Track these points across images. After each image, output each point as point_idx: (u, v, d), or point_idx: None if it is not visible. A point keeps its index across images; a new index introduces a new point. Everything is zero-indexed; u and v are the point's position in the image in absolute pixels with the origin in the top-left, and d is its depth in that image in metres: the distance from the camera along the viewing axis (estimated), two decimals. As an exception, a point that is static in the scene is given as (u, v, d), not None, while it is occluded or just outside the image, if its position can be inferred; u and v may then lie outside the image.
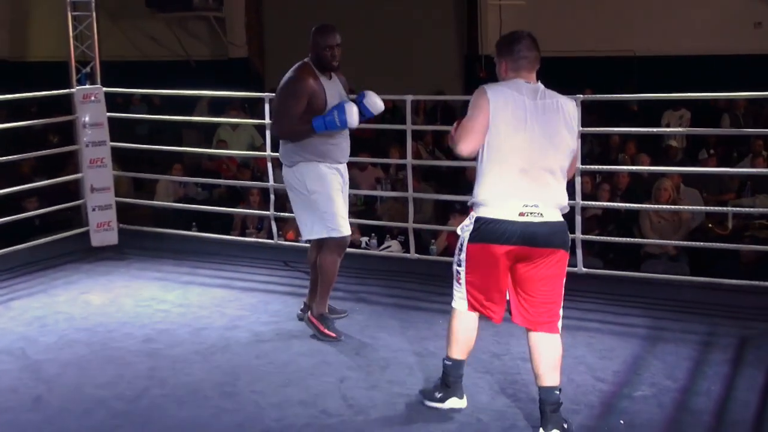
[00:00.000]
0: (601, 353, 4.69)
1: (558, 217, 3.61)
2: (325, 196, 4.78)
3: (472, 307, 3.77)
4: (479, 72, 13.46)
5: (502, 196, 3.55)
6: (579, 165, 3.68)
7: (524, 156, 3.54)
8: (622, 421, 3.88)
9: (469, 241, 3.62)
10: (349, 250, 5.18)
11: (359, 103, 4.82)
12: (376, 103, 4.85)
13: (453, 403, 3.93)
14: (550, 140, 3.57)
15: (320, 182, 4.80)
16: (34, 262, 6.62)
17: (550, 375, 3.66)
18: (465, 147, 3.60)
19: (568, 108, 3.66)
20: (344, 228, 4.83)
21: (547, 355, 3.67)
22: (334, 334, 4.86)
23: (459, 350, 3.88)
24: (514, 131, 3.54)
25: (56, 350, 4.90)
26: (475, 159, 3.64)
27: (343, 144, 4.88)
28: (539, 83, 3.68)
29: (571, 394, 4.15)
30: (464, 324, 3.84)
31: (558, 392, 3.67)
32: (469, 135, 3.58)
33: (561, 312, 3.71)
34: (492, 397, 4.15)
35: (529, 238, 3.54)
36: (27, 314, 5.50)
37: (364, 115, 4.84)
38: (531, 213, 3.53)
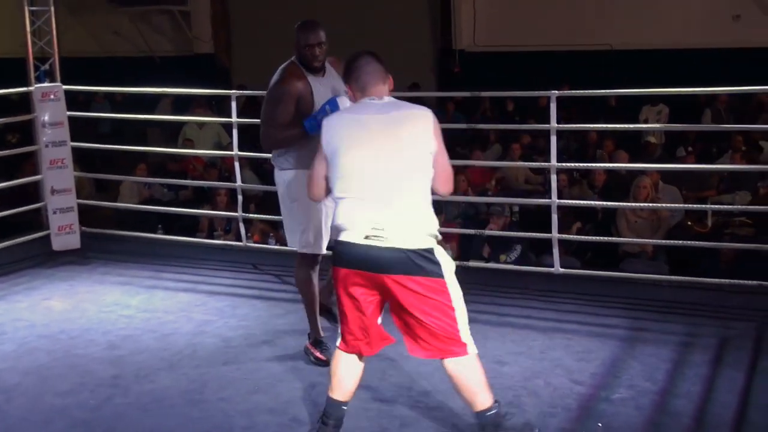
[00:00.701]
0: (579, 355, 4.73)
1: (413, 242, 3.36)
2: (305, 207, 4.51)
3: (347, 344, 3.61)
4: (453, 67, 13.54)
5: (351, 218, 3.42)
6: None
7: (369, 175, 3.41)
8: (600, 425, 3.91)
9: (332, 264, 3.55)
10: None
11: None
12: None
13: None
14: (399, 156, 3.40)
15: (304, 193, 4.59)
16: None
17: (478, 399, 3.51)
18: (314, 195, 3.72)
19: (422, 120, 3.47)
20: (317, 246, 4.59)
21: (467, 380, 3.51)
22: (324, 358, 4.58)
23: (337, 391, 3.68)
24: (352, 152, 3.44)
25: (15, 358, 4.86)
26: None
27: None
28: (389, 98, 3.59)
29: (548, 397, 4.20)
30: (342, 363, 3.67)
31: (493, 411, 3.53)
32: (314, 181, 3.66)
33: (465, 331, 3.48)
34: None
35: (370, 262, 3.38)
36: (-19, 322, 5.47)
37: None
38: (375, 236, 3.35)
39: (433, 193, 3.51)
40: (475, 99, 11.82)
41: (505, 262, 6.66)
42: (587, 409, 4.09)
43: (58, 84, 7.26)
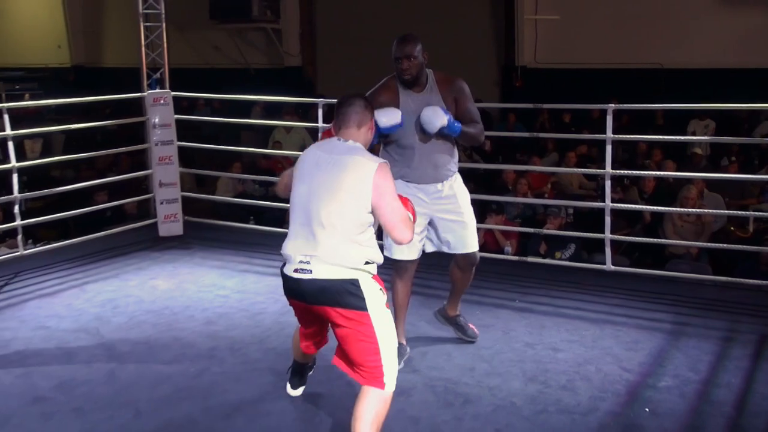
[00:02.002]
0: (628, 345, 4.64)
1: (337, 274, 3.16)
2: None
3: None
4: (515, 81, 13.41)
5: (287, 249, 3.28)
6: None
7: (304, 208, 3.23)
8: (647, 409, 3.84)
9: None
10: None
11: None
12: (433, 123, 4.04)
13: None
14: (333, 194, 3.17)
15: None
16: (107, 250, 6.71)
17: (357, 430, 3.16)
18: (281, 192, 3.62)
19: (365, 169, 3.19)
20: (397, 251, 4.28)
21: (361, 411, 3.17)
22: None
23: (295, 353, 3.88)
24: (299, 184, 3.29)
25: (126, 330, 4.97)
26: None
27: (423, 168, 4.23)
28: (354, 143, 3.32)
29: (599, 382, 4.13)
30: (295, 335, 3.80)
31: None
32: (279, 182, 3.68)
33: (388, 365, 3.20)
34: (524, 384, 4.13)
35: (301, 295, 3.25)
36: (101, 296, 5.59)
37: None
38: (302, 270, 3.19)
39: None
40: (534, 111, 11.70)
41: (560, 259, 6.56)
42: (635, 395, 4.01)
43: (168, 90, 7.40)
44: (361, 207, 3.18)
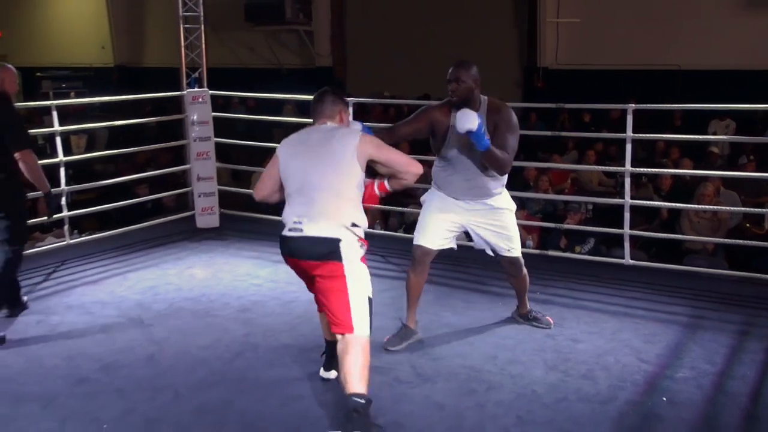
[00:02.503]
0: (646, 337, 4.59)
1: (324, 232, 3.41)
2: (427, 206, 4.45)
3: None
4: (537, 82, 13.31)
5: (285, 215, 3.54)
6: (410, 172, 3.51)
7: (299, 178, 3.50)
8: (664, 399, 3.80)
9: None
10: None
11: None
12: (462, 123, 3.99)
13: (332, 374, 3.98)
14: (328, 159, 3.47)
15: (430, 197, 4.47)
16: (147, 240, 6.77)
17: (350, 381, 3.28)
18: (257, 193, 3.73)
19: (350, 135, 3.53)
20: (419, 237, 4.41)
21: (348, 362, 3.31)
22: (390, 348, 4.39)
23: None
24: (293, 161, 3.54)
25: (166, 316, 5.01)
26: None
27: (458, 185, 4.33)
28: (333, 124, 3.62)
29: (618, 372, 4.09)
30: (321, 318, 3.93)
31: (361, 402, 3.25)
32: (260, 182, 3.71)
33: (358, 315, 3.40)
34: (546, 372, 4.10)
35: (292, 251, 3.49)
36: (141, 284, 5.63)
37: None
38: (294, 228, 3.45)
39: (399, 187, 3.72)
40: (555, 111, 11.61)
41: (580, 253, 6.51)
42: (653, 385, 3.97)
43: (206, 89, 7.43)
44: (353, 166, 3.47)
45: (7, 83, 4.76)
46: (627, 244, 5.84)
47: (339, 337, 3.42)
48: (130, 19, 17.91)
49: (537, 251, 6.47)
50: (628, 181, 5.82)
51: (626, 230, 5.83)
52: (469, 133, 3.96)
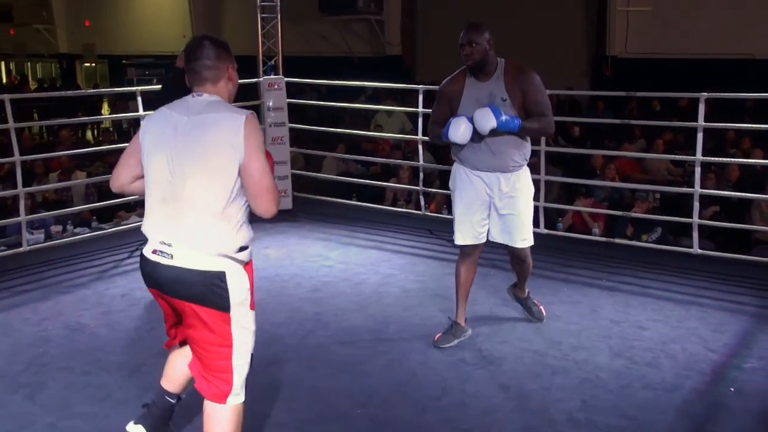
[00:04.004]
0: (713, 326, 4.46)
1: (198, 264, 2.48)
2: (456, 199, 4.16)
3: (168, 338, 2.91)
4: (605, 71, 13.02)
5: (146, 227, 2.60)
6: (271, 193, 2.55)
7: (164, 182, 2.53)
8: (731, 389, 3.69)
9: None
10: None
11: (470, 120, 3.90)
12: (482, 125, 3.80)
13: None
14: (198, 162, 2.48)
15: (455, 184, 4.16)
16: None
17: None
18: (112, 181, 2.75)
19: (232, 124, 2.50)
20: (458, 236, 4.12)
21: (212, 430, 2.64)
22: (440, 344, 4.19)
23: (164, 378, 3.03)
24: (154, 155, 2.56)
25: (242, 293, 5.09)
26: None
27: (481, 153, 3.98)
28: (212, 97, 2.60)
29: (684, 360, 3.99)
30: (171, 355, 3.02)
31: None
32: (117, 168, 2.73)
33: (238, 374, 2.60)
34: (610, 359, 4.03)
35: (158, 283, 2.57)
36: (219, 262, 5.74)
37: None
38: (162, 252, 2.53)
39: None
40: (623, 99, 11.33)
41: (647, 242, 6.36)
42: (720, 374, 3.87)
43: (281, 77, 7.51)
44: (231, 170, 2.49)
45: None
46: (695, 234, 5.68)
47: (207, 403, 2.64)
48: (209, 9, 18.17)
49: (603, 239, 6.35)
50: (698, 170, 5.65)
51: (695, 219, 5.67)
52: (494, 129, 3.78)
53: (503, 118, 3.78)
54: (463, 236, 4.12)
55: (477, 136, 3.90)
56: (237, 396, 2.63)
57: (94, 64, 21.08)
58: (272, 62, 7.79)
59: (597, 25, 13.23)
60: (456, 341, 4.19)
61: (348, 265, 5.67)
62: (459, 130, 3.85)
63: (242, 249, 2.57)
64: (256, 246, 6.03)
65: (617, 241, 6.21)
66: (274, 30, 7.86)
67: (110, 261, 5.79)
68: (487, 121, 3.76)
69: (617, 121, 7.86)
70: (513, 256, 4.29)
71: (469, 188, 4.08)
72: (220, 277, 2.51)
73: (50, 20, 20.83)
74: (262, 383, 3.76)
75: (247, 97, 7.25)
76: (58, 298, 5.02)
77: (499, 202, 4.05)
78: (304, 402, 3.59)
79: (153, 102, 5.19)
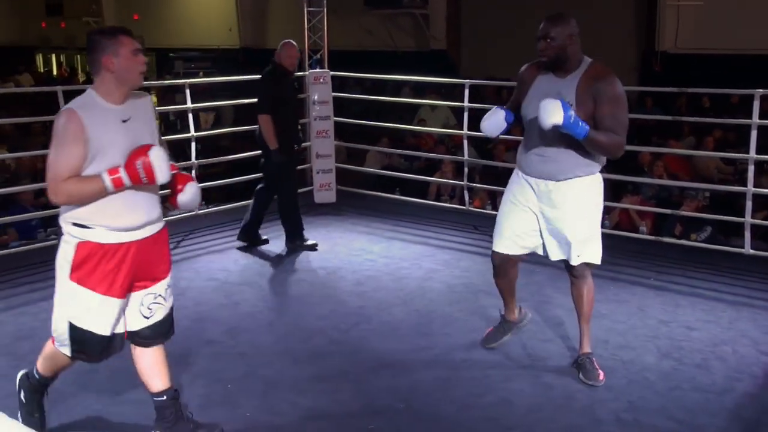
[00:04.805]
0: (766, 329, 4.34)
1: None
2: (502, 202, 3.86)
3: None
4: (654, 66, 12.78)
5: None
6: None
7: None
8: (785, 393, 3.60)
9: None
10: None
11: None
12: (544, 118, 3.34)
13: None
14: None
15: (507, 187, 3.83)
16: (271, 212, 6.86)
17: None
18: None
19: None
20: (496, 243, 3.81)
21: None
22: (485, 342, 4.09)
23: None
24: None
25: (286, 286, 5.14)
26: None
27: (531, 155, 3.62)
28: (89, 88, 2.87)
29: (735, 363, 3.90)
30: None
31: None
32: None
33: (55, 330, 2.95)
34: (658, 359, 3.96)
35: None
36: (265, 255, 5.78)
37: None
38: None
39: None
40: (672, 95, 11.10)
41: (696, 241, 6.22)
42: (773, 378, 3.76)
43: (327, 70, 7.52)
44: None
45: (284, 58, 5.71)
46: (748, 233, 5.53)
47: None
48: (255, 2, 18.31)
49: (651, 237, 6.23)
50: (751, 168, 5.50)
51: (747, 219, 5.52)
52: (556, 127, 3.32)
53: (572, 115, 3.31)
54: (498, 242, 3.79)
55: (533, 134, 3.57)
56: (61, 345, 2.93)
57: (141, 57, 21.40)
58: (318, 56, 7.80)
59: (646, 20, 13.00)
60: (504, 338, 4.05)
61: (391, 260, 5.66)
62: (486, 121, 3.62)
63: (75, 225, 2.80)
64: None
65: (665, 239, 6.08)
66: (320, 24, 7.87)
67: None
68: (552, 114, 3.28)
69: (669, 118, 7.71)
70: (570, 278, 3.82)
71: (517, 192, 3.71)
72: (61, 233, 2.85)
73: (100, 13, 21.18)
74: (306, 375, 3.79)
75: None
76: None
77: (547, 208, 3.64)
78: (347, 395, 3.59)
79: (255, 93, 5.85)
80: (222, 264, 5.55)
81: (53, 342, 2.99)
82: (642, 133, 10.24)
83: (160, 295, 3.01)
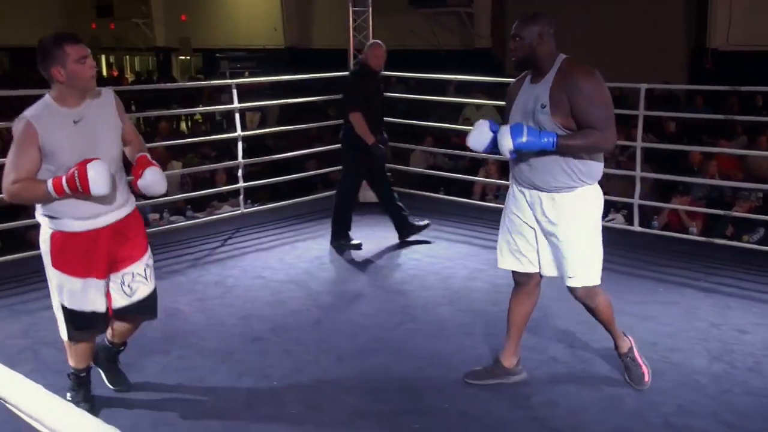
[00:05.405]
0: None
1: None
2: (502, 215, 3.65)
3: None
4: (705, 63, 12.53)
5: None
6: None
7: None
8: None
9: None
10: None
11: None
12: (501, 147, 3.20)
13: None
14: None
15: (505, 201, 3.65)
16: (315, 212, 6.97)
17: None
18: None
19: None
20: (499, 260, 3.65)
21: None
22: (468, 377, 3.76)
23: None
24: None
25: (332, 284, 5.18)
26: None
27: (521, 164, 3.36)
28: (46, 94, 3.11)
29: (789, 367, 3.81)
30: None
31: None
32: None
33: (57, 318, 3.29)
34: (709, 362, 3.89)
35: None
36: (309, 253, 5.84)
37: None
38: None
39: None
40: (723, 94, 10.86)
41: (748, 242, 6.10)
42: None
43: (385, 70, 7.51)
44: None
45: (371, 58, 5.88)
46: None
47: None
48: (301, 2, 18.46)
49: (701, 238, 6.13)
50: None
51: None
52: (518, 151, 3.17)
53: (523, 139, 3.12)
54: (502, 258, 3.61)
55: None
56: (61, 332, 3.23)
57: (189, 58, 21.77)
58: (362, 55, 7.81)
59: (697, 17, 12.75)
60: (489, 381, 3.69)
61: (436, 259, 5.66)
62: (471, 135, 3.39)
63: (46, 216, 3.07)
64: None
65: (716, 241, 5.97)
66: (365, 23, 7.91)
67: (204, 249, 5.95)
68: (504, 143, 3.15)
69: (720, 117, 7.57)
70: (579, 299, 3.56)
71: (512, 205, 3.52)
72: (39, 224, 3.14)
73: (148, 15, 21.60)
74: (351, 373, 3.82)
75: (337, 89, 7.33)
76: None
77: (543, 227, 3.42)
78: (392, 393, 3.61)
79: (343, 92, 6.03)
80: (267, 262, 5.62)
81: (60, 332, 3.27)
82: (692, 133, 10.07)
83: (138, 274, 3.26)
